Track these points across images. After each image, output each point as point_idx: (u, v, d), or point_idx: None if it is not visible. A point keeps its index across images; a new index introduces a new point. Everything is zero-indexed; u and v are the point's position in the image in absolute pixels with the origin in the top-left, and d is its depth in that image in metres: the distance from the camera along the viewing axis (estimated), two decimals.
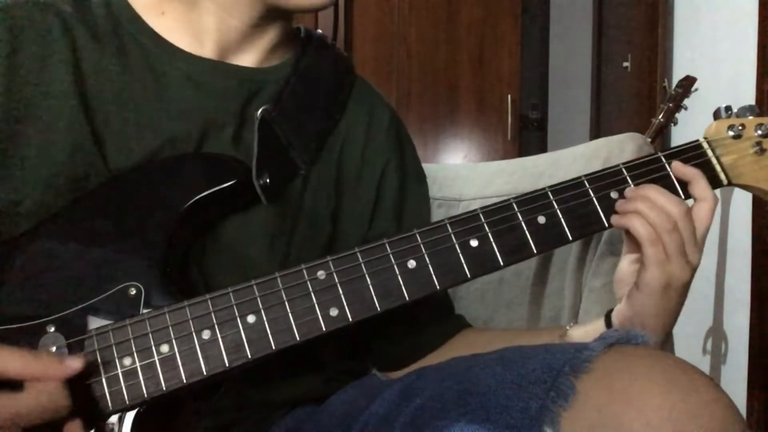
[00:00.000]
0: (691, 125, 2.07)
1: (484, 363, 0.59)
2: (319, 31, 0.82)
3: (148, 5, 0.70)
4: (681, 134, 2.32)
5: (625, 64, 2.86)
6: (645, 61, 2.63)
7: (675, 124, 1.91)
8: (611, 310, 0.72)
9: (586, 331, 0.72)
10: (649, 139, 1.79)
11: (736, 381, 1.81)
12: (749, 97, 1.77)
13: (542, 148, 3.60)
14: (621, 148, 0.98)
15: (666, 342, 0.81)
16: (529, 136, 3.59)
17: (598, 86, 3.37)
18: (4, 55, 0.62)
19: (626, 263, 0.70)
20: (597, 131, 3.35)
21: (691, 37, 2.35)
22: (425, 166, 0.89)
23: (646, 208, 0.64)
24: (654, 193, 0.65)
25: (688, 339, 2.07)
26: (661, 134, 1.92)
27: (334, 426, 0.68)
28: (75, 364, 0.53)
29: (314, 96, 0.76)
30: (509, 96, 2.97)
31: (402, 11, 2.91)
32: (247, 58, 0.73)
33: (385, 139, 0.81)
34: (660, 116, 1.88)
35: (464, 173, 1.18)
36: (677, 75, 2.26)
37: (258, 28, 0.71)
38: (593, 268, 0.98)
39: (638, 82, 2.74)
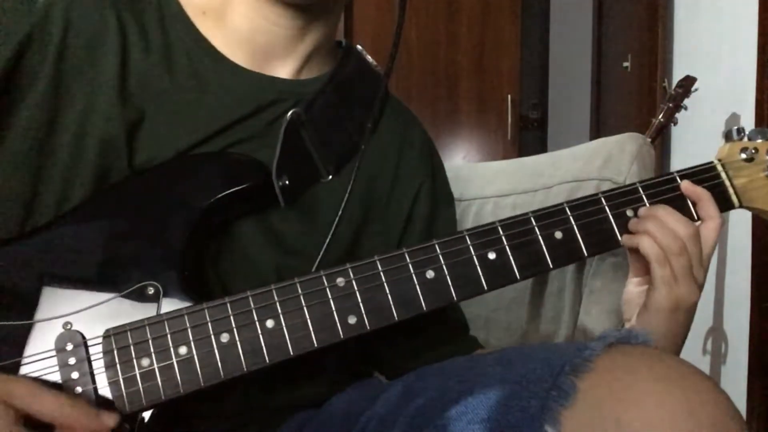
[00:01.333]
0: (691, 125, 2.07)
1: (484, 363, 0.59)
2: (359, 47, 0.82)
3: (193, 4, 0.69)
4: (681, 134, 2.32)
5: (625, 64, 2.86)
6: (645, 61, 2.63)
7: (675, 124, 1.91)
8: None
9: None
10: (649, 139, 1.79)
11: (736, 381, 1.81)
12: (749, 97, 1.77)
13: (542, 148, 3.60)
14: (621, 148, 0.98)
15: None
16: (529, 136, 3.59)
17: (598, 86, 3.37)
18: (56, 42, 0.62)
19: (633, 285, 0.71)
20: (597, 131, 3.34)
21: (691, 37, 2.35)
22: None
23: (655, 229, 0.65)
24: (664, 213, 0.66)
25: (689, 339, 2.07)
26: (661, 134, 1.92)
27: (335, 426, 0.68)
28: (110, 421, 0.52)
29: (347, 109, 0.76)
30: (509, 96, 2.97)
31: None
32: (285, 68, 0.72)
33: (419, 162, 0.81)
34: (660, 116, 1.88)
35: (464, 173, 1.18)
36: (677, 75, 2.26)
37: (294, 36, 0.71)
38: (593, 268, 0.98)
39: (638, 82, 2.74)
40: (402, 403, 0.61)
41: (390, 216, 0.78)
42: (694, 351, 2.03)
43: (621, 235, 0.67)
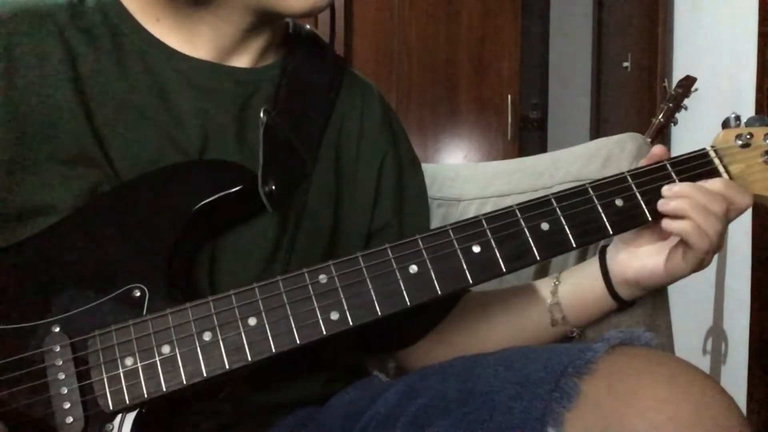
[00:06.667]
0: (691, 125, 2.07)
1: (486, 363, 0.59)
2: (308, 26, 0.81)
3: (143, 10, 0.70)
4: (681, 134, 2.32)
5: (625, 64, 2.86)
6: (645, 61, 2.63)
7: (675, 124, 1.91)
8: (604, 250, 0.73)
9: (577, 282, 0.74)
10: (649, 139, 1.79)
11: (736, 381, 1.81)
12: (749, 97, 1.77)
13: (542, 148, 3.60)
14: (621, 147, 0.98)
15: (667, 340, 0.81)
16: (529, 136, 3.59)
17: (598, 86, 3.38)
18: (1, 72, 0.63)
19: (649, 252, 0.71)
20: (597, 131, 3.35)
21: (691, 37, 2.35)
22: (425, 166, 0.89)
23: (700, 218, 0.64)
24: (704, 198, 0.64)
25: (688, 339, 2.07)
26: (661, 134, 1.92)
27: (336, 426, 0.68)
28: None
29: (307, 94, 0.76)
30: (509, 96, 2.97)
31: (402, 11, 2.91)
32: (242, 60, 0.73)
33: (380, 132, 0.81)
34: (660, 116, 1.88)
35: (464, 173, 1.18)
36: (677, 75, 2.26)
37: (252, 32, 0.71)
38: None
39: (638, 82, 2.75)
40: (403, 403, 0.61)
41: (360, 190, 0.78)
42: (694, 351, 2.03)
43: (610, 225, 0.65)
